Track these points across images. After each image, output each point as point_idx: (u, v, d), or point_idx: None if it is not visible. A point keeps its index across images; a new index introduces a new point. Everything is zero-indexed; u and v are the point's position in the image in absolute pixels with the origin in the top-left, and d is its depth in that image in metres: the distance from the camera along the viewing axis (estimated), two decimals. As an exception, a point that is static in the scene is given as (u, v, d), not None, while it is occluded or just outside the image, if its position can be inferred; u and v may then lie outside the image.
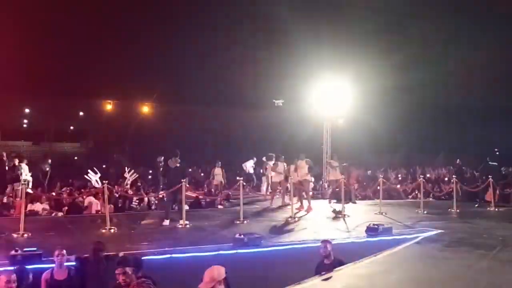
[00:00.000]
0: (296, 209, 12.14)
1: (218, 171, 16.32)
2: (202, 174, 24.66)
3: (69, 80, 26.51)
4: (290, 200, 12.21)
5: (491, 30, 22.07)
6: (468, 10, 22.37)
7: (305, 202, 12.82)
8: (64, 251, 6.08)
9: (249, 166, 18.88)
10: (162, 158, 15.91)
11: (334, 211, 12.25)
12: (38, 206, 12.12)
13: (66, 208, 12.42)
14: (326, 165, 17.69)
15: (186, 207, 11.79)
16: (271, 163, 15.09)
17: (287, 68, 22.90)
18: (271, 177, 14.69)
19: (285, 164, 14.02)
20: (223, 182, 16.16)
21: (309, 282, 5.94)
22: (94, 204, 12.54)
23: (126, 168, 15.84)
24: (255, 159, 19.00)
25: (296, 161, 13.18)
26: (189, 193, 13.38)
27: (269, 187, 15.69)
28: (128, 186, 14.96)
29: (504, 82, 24.36)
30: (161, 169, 15.53)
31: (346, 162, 15.65)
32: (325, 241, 6.83)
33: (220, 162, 16.62)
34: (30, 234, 8.53)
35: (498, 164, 15.14)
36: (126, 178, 15.59)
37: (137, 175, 15.89)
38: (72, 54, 24.40)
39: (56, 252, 6.03)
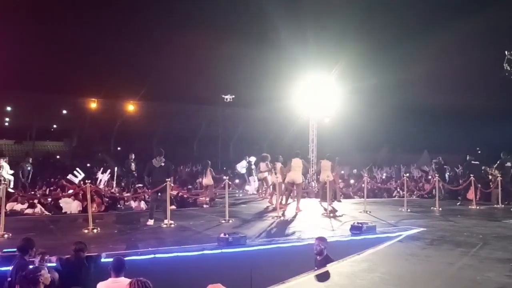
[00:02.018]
0: (295, 210, 12.16)
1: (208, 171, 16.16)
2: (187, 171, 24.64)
3: (52, 78, 26.10)
4: (277, 200, 12.21)
5: (476, 31, 22.36)
6: (454, 11, 22.69)
7: (293, 202, 12.85)
8: (47, 256, 5.97)
9: (240, 167, 18.84)
10: (133, 156, 15.79)
11: (328, 209, 12.35)
12: (19, 207, 11.95)
13: (40, 204, 12.24)
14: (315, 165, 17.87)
15: (172, 206, 11.76)
16: (263, 164, 15.07)
17: (274, 68, 22.94)
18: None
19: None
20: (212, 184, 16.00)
21: (293, 281, 5.95)
22: (72, 204, 12.41)
23: (110, 167, 15.62)
24: (247, 158, 18.97)
25: (290, 161, 12.99)
26: (174, 192, 13.31)
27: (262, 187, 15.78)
28: (101, 186, 14.76)
29: (486, 83, 24.77)
30: (132, 166, 15.45)
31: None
32: (317, 239, 6.96)
33: (209, 162, 16.47)
34: (10, 235, 8.39)
35: (480, 163, 15.37)
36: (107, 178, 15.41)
37: (109, 175, 15.63)
38: (56, 51, 24.05)
39: (38, 258, 5.92)
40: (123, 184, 16.04)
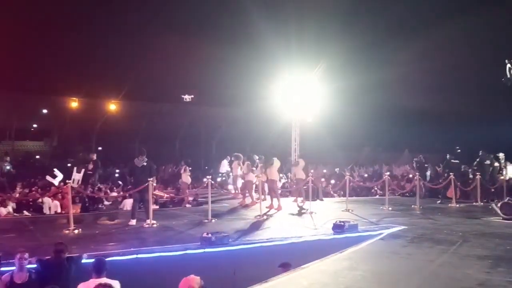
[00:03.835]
0: (266, 207, 12.21)
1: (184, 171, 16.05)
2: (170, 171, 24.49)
3: (32, 76, 25.59)
4: (258, 199, 12.24)
5: (458, 32, 22.73)
6: (433, 14, 23.05)
7: (274, 201, 12.88)
8: (26, 255, 5.89)
9: (222, 166, 18.83)
10: (94, 156, 15.63)
11: (299, 206, 12.52)
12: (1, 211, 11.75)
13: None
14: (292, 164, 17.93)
15: (154, 206, 11.69)
16: (239, 162, 15.03)
17: (256, 68, 22.93)
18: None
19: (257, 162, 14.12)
20: (188, 183, 15.87)
21: (275, 280, 5.97)
22: (52, 205, 12.26)
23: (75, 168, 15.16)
24: (229, 158, 18.92)
25: (265, 160, 13.26)
26: (157, 192, 13.22)
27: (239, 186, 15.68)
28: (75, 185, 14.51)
29: (466, 85, 25.27)
30: (91, 167, 15.25)
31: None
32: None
33: (183, 162, 16.36)
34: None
35: (459, 162, 15.64)
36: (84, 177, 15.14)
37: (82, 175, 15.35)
38: (35, 49, 23.59)
39: (18, 256, 5.83)
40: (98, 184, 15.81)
